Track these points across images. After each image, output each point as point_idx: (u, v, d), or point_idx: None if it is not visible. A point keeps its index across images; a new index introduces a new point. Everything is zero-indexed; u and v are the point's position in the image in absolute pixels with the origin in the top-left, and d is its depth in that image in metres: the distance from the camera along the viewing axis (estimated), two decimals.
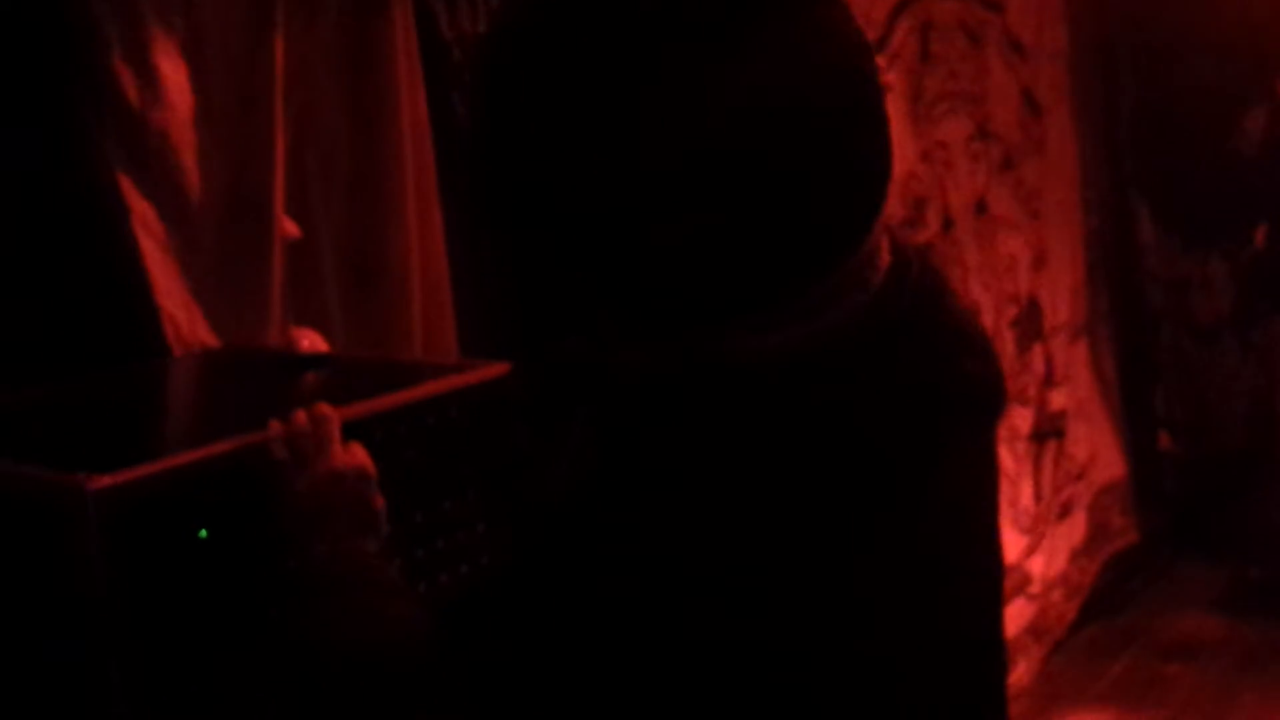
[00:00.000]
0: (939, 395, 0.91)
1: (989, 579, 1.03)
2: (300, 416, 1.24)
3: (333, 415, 1.25)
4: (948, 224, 3.66)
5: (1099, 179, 4.36)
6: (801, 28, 0.83)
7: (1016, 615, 3.61)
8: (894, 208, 3.30)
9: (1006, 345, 3.80)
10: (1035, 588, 3.81)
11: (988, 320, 3.73)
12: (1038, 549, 3.87)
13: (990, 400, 0.97)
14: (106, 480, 1.17)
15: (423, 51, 2.29)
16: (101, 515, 1.16)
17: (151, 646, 1.20)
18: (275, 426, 1.23)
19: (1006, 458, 3.69)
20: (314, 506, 1.18)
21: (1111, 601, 4.05)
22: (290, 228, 2.06)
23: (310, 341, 1.65)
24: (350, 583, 1.11)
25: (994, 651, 1.03)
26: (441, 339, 2.29)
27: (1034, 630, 3.72)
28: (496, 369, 1.52)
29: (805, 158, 0.82)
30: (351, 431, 1.31)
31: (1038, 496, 3.94)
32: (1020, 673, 3.56)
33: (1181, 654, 3.87)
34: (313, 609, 1.09)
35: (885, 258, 0.92)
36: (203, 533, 1.23)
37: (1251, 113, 4.06)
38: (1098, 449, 4.27)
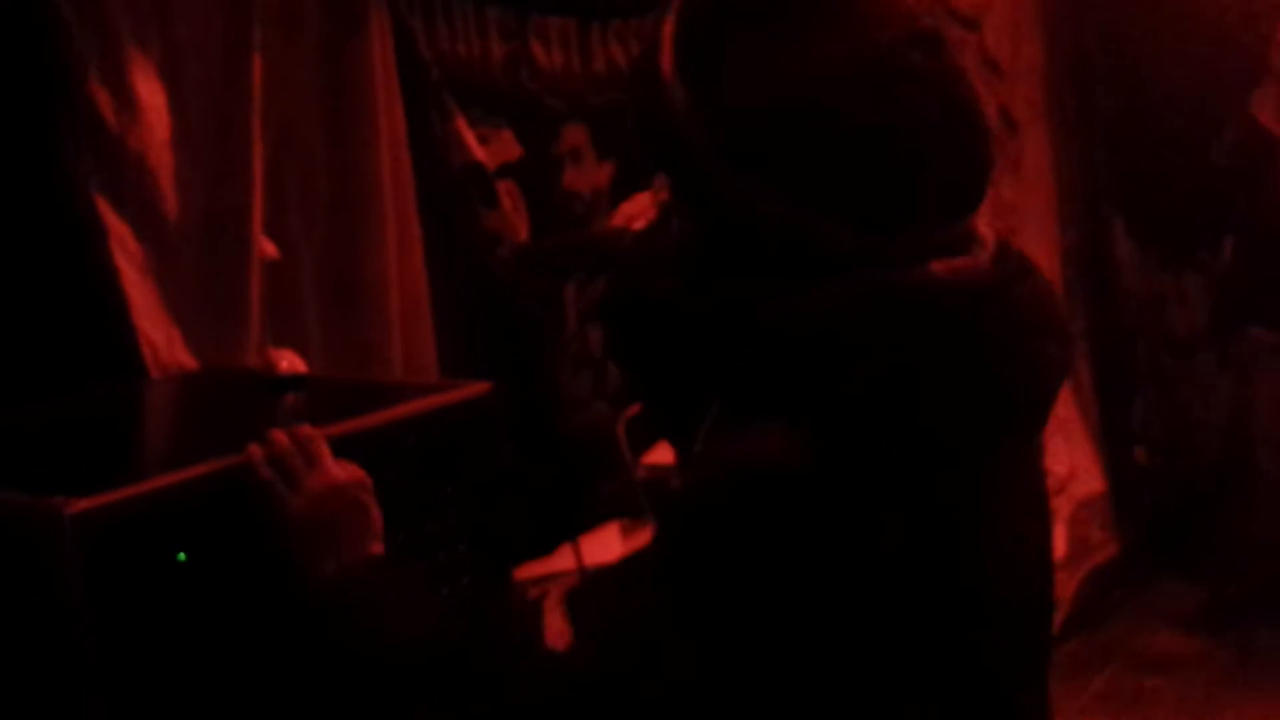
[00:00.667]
0: (1048, 339, 1.04)
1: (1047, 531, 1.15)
2: (280, 436, 1.24)
3: (317, 434, 1.25)
4: None
5: (1075, 195, 4.39)
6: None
7: None
8: None
9: None
10: None
11: None
12: None
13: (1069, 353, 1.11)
14: (84, 504, 1.16)
15: (401, 70, 2.29)
16: (79, 538, 1.16)
17: (130, 670, 1.19)
18: (255, 450, 1.23)
19: None
20: (315, 524, 1.18)
21: (1092, 616, 4.06)
22: (268, 248, 2.06)
23: (289, 362, 1.64)
24: (370, 592, 1.11)
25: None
26: (421, 358, 2.29)
27: None
28: (478, 388, 1.52)
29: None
30: (334, 452, 1.30)
31: None
32: None
33: (1162, 668, 3.88)
34: (338, 626, 1.09)
35: (989, 232, 1.05)
36: (181, 556, 1.22)
37: (1226, 127, 4.09)
38: (1077, 464, 4.29)
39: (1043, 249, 4.22)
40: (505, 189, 2.61)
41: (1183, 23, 4.05)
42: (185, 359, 1.92)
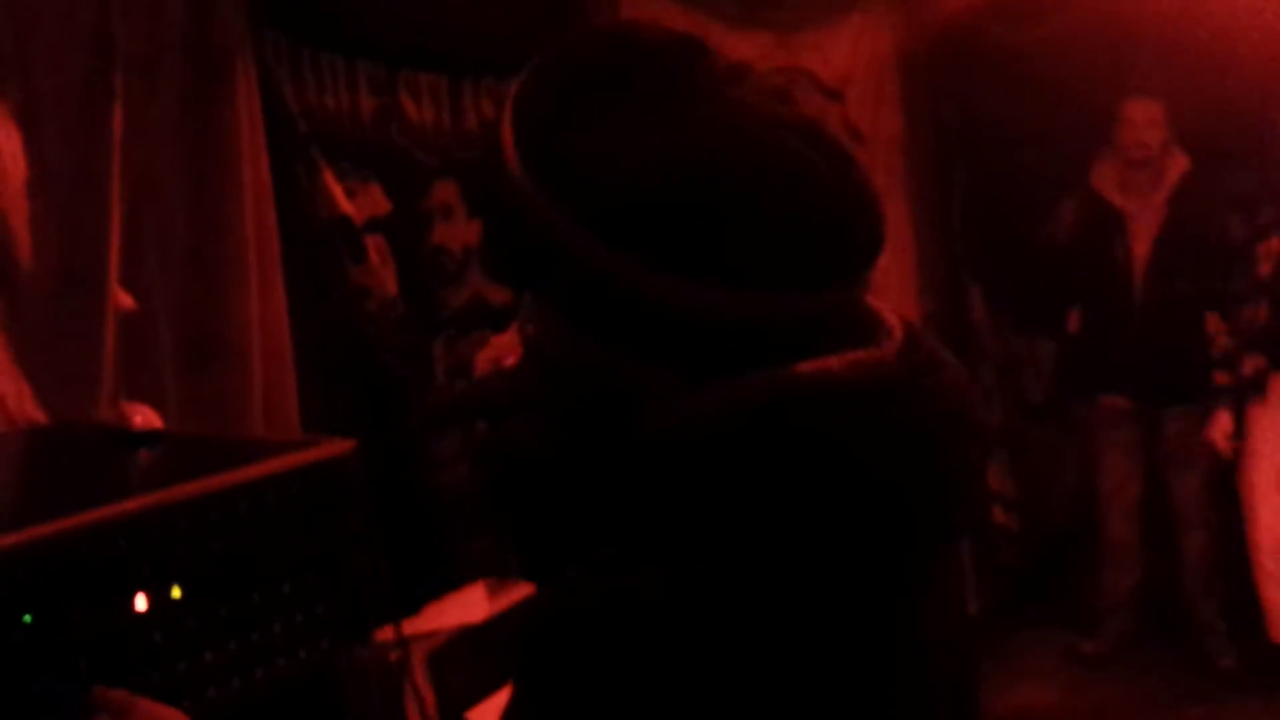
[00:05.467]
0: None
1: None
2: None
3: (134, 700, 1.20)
4: None
5: (934, 263, 4.52)
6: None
7: None
8: None
9: None
10: None
11: None
12: None
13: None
14: None
15: (267, 122, 2.27)
16: None
17: None
18: None
19: None
20: None
21: None
22: (125, 300, 2.01)
23: (144, 417, 1.59)
24: None
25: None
26: (283, 414, 2.25)
27: None
28: (339, 446, 1.49)
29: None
30: (186, 511, 1.27)
31: None
32: None
33: None
34: None
35: (895, 321, 0.99)
36: (27, 617, 1.17)
37: (1066, 201, 4.25)
38: None
39: (904, 313, 4.33)
40: (373, 244, 2.59)
41: (1031, 96, 4.21)
42: (34, 412, 1.86)
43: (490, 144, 0.95)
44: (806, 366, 0.88)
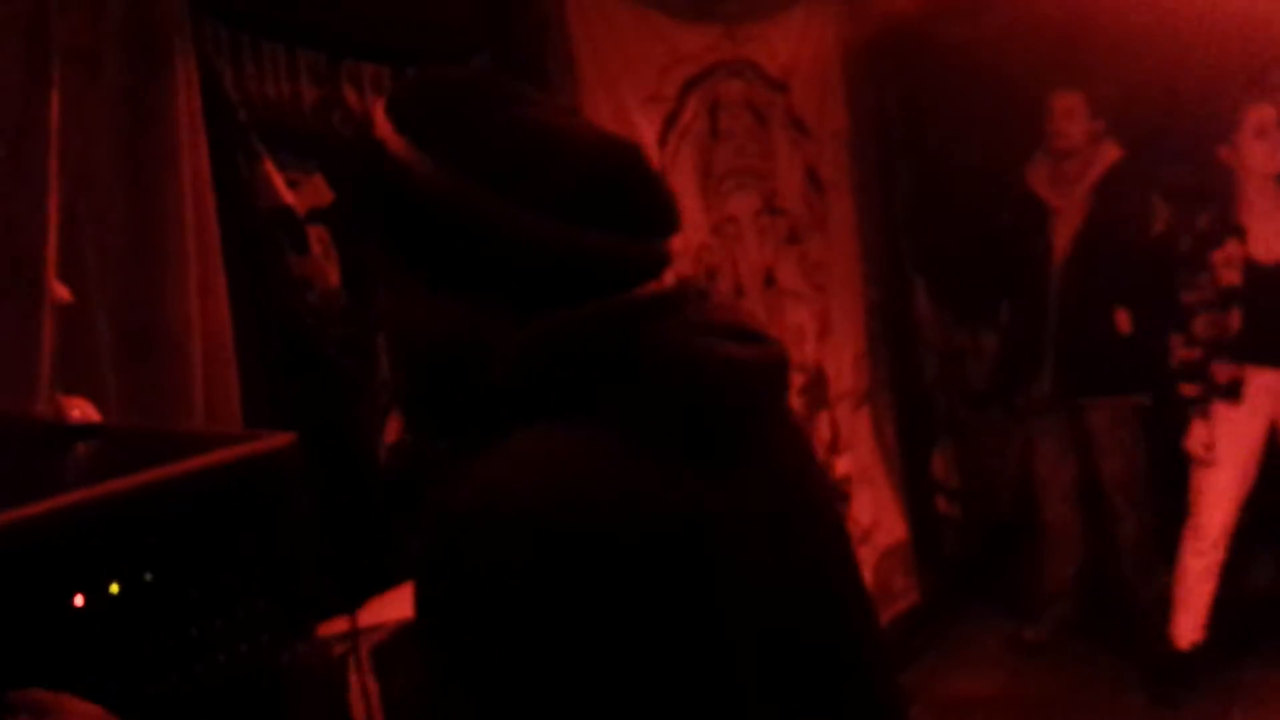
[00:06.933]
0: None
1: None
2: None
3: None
4: (739, 293, 3.76)
5: (879, 254, 4.55)
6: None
7: None
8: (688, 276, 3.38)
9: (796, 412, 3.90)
10: None
11: None
12: None
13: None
14: None
15: (206, 111, 2.24)
16: None
17: None
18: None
19: None
20: None
21: (895, 660, 4.17)
22: (61, 292, 1.98)
23: (81, 411, 1.57)
24: None
25: None
26: (225, 408, 2.23)
27: None
28: (280, 439, 1.48)
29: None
30: (124, 506, 1.26)
31: None
32: None
33: (962, 711, 4.01)
34: None
35: (672, 277, 1.21)
36: None
37: (1009, 193, 4.29)
38: (880, 513, 4.42)
39: (848, 304, 4.36)
40: (316, 234, 2.57)
41: (975, 90, 4.25)
42: None
43: (366, 138, 1.15)
44: (598, 303, 1.12)
